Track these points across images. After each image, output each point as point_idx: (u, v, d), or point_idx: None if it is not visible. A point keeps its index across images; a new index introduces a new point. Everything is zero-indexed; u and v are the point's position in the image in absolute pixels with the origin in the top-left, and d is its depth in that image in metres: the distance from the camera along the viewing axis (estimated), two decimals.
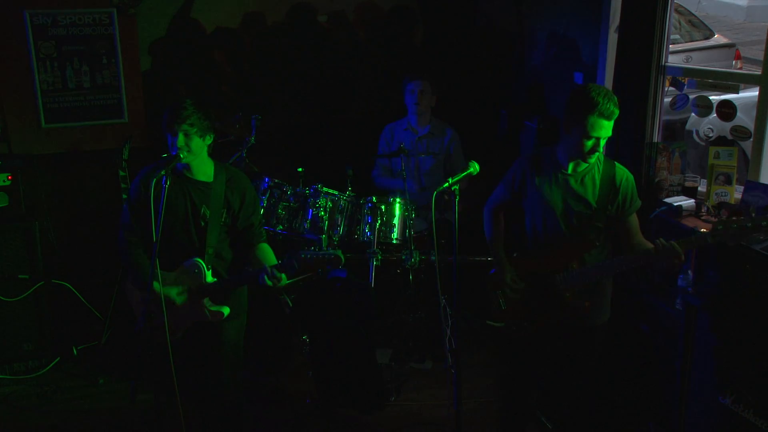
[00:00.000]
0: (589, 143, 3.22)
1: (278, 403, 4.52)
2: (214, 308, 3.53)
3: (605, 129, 3.20)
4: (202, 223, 3.49)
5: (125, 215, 3.57)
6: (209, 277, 3.50)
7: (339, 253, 3.31)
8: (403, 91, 5.28)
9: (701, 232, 3.22)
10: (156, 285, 3.30)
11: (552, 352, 3.62)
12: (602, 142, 3.25)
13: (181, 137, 3.34)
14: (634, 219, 3.40)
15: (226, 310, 3.55)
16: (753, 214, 3.06)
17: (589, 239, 3.36)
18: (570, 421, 3.75)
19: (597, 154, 3.26)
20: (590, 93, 3.16)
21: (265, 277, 3.36)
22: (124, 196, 4.62)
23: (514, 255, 3.58)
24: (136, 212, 3.50)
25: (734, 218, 3.05)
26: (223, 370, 3.66)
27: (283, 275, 3.37)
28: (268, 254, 3.63)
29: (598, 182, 3.34)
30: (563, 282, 3.39)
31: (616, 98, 3.20)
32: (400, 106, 5.33)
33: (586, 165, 3.34)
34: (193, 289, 3.51)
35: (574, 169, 3.36)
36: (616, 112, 3.18)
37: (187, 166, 3.47)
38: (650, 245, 3.30)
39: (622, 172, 3.36)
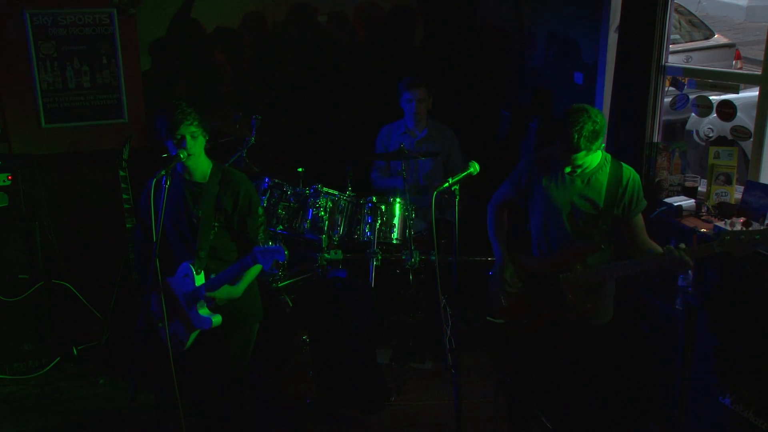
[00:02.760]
0: (567, 168, 3.30)
1: (278, 403, 4.52)
2: (205, 315, 3.39)
3: (580, 159, 3.25)
4: (194, 225, 3.41)
5: (138, 231, 3.49)
6: (199, 281, 3.38)
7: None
8: (399, 96, 5.25)
9: (708, 241, 3.19)
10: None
11: (553, 352, 3.62)
12: (587, 161, 3.27)
13: (189, 140, 3.31)
14: (639, 219, 3.40)
15: (217, 319, 3.40)
16: (766, 223, 3.06)
17: (594, 242, 3.36)
18: (571, 421, 3.74)
19: (579, 170, 3.30)
20: (570, 129, 3.16)
21: (256, 257, 3.22)
22: (125, 196, 4.61)
23: (517, 254, 3.58)
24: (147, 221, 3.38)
25: (743, 229, 3.05)
26: (225, 383, 3.62)
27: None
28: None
29: (605, 183, 3.34)
30: (566, 283, 3.39)
31: (598, 127, 3.18)
32: (399, 107, 5.32)
33: (597, 163, 3.34)
34: (187, 294, 3.42)
35: (582, 170, 3.35)
36: (595, 145, 3.20)
37: (187, 168, 3.43)
38: (655, 246, 3.30)
39: (629, 173, 3.36)
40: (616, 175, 3.33)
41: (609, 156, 3.39)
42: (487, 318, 3.54)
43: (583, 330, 3.49)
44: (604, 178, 3.35)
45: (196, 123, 3.32)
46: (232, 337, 3.55)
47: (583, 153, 3.21)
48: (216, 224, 3.42)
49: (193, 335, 3.49)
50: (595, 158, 3.32)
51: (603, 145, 3.33)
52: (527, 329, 3.52)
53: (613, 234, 3.44)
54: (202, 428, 3.79)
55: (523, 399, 3.80)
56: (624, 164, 3.39)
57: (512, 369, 3.79)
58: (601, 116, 3.23)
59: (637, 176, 3.38)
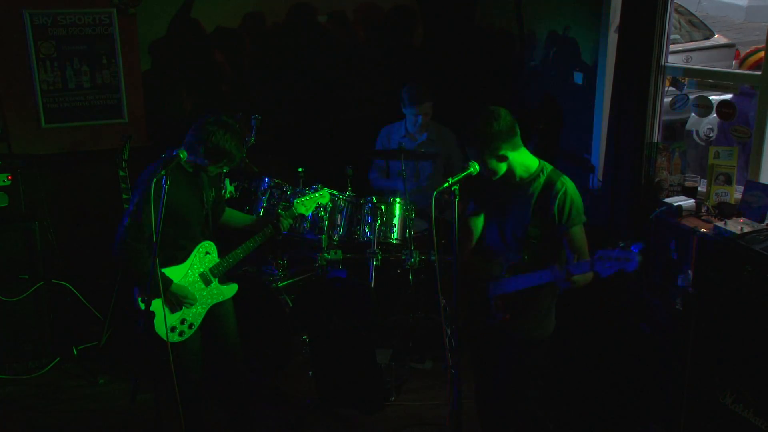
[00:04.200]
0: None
1: (278, 403, 4.52)
2: (226, 286, 3.81)
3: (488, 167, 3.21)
4: (208, 207, 3.71)
5: (131, 224, 3.49)
6: (216, 257, 3.76)
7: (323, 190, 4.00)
8: (401, 103, 5.19)
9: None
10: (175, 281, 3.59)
11: (484, 358, 3.55)
12: (497, 168, 3.22)
13: None
14: (576, 234, 3.20)
15: (236, 286, 3.84)
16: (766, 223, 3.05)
17: (520, 251, 3.26)
18: (570, 421, 3.69)
19: (494, 177, 3.24)
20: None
21: (280, 217, 3.88)
22: (125, 196, 4.62)
23: (476, 254, 3.52)
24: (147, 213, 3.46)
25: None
26: (239, 345, 3.93)
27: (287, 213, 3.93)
28: (236, 213, 4.03)
29: (536, 193, 3.24)
30: (492, 290, 3.33)
31: (480, 134, 3.15)
32: (400, 107, 5.31)
33: (531, 173, 3.26)
34: (206, 271, 3.72)
35: (521, 177, 3.27)
36: (491, 161, 3.17)
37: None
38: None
39: (562, 183, 3.21)
40: (550, 184, 3.22)
41: (550, 167, 3.30)
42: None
43: (511, 341, 3.37)
44: (537, 188, 3.24)
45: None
46: (227, 302, 3.87)
47: (498, 163, 3.18)
48: (215, 201, 3.79)
49: (203, 313, 3.74)
50: (522, 166, 3.24)
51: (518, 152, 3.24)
52: (466, 329, 3.46)
53: (549, 248, 3.28)
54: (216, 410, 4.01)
55: (481, 400, 3.70)
56: (564, 176, 3.26)
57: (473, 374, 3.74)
58: (489, 124, 3.14)
59: (573, 188, 3.23)
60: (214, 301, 3.77)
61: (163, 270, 3.53)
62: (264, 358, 4.74)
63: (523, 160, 3.25)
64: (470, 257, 3.49)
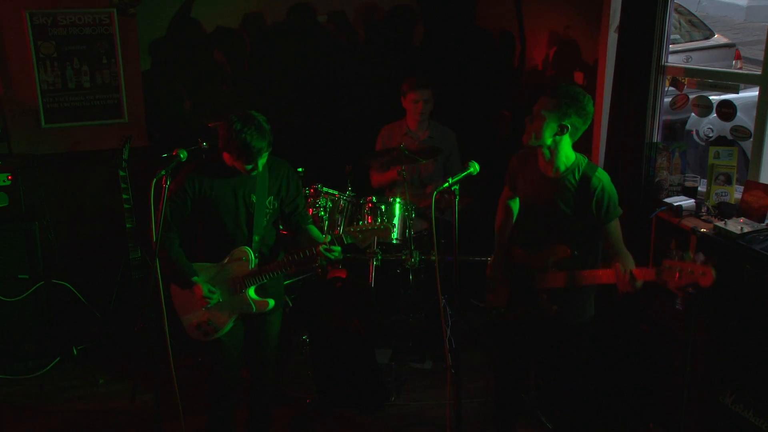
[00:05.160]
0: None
1: (278, 403, 4.51)
2: (259, 299, 3.64)
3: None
4: (251, 211, 3.59)
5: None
6: (253, 264, 3.61)
7: (388, 224, 3.53)
8: (403, 96, 5.21)
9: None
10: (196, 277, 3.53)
11: (533, 347, 3.62)
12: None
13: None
14: (612, 227, 3.28)
15: (272, 302, 3.65)
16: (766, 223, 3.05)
17: (565, 245, 3.30)
18: (564, 420, 3.72)
19: (539, 141, 3.28)
20: None
21: (322, 249, 3.50)
22: (125, 196, 4.61)
23: (514, 245, 3.57)
24: (187, 209, 3.52)
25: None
26: (270, 363, 3.82)
27: (338, 247, 3.55)
28: (316, 233, 3.78)
29: (575, 185, 3.28)
30: (540, 282, 3.37)
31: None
32: (400, 106, 5.32)
33: (569, 166, 3.30)
34: (238, 278, 3.60)
35: (557, 170, 3.32)
36: (551, 124, 3.23)
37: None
38: (627, 259, 3.20)
39: (598, 179, 3.26)
40: (587, 180, 3.26)
41: (585, 160, 3.34)
42: (471, 300, 3.54)
43: (558, 328, 3.44)
44: (575, 181, 3.29)
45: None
46: (275, 314, 3.76)
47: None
48: (269, 209, 3.63)
49: (232, 321, 3.66)
50: (563, 157, 3.29)
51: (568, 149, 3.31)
52: (503, 318, 3.52)
53: (593, 241, 3.37)
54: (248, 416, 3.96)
55: (508, 391, 3.77)
56: (599, 169, 3.32)
57: (497, 359, 3.78)
58: (580, 93, 3.22)
59: (608, 183, 3.28)
60: (243, 311, 3.65)
61: (193, 263, 3.59)
62: None
63: (567, 151, 3.30)
64: (513, 246, 3.54)
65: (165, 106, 5.57)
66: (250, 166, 3.44)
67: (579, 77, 4.94)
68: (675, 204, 3.99)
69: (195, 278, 3.57)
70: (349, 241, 3.54)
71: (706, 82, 4.30)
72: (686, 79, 4.39)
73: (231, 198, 3.55)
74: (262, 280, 3.61)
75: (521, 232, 3.54)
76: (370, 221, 4.66)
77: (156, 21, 5.38)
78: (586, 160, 3.35)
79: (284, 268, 3.63)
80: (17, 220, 4.77)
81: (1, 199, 4.73)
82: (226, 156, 3.48)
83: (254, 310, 3.63)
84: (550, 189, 3.34)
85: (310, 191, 4.73)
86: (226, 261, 3.62)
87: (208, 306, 3.61)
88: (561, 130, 3.22)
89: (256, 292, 3.63)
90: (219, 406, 3.78)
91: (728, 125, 4.33)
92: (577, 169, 3.30)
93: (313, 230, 3.79)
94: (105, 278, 5.08)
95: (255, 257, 3.60)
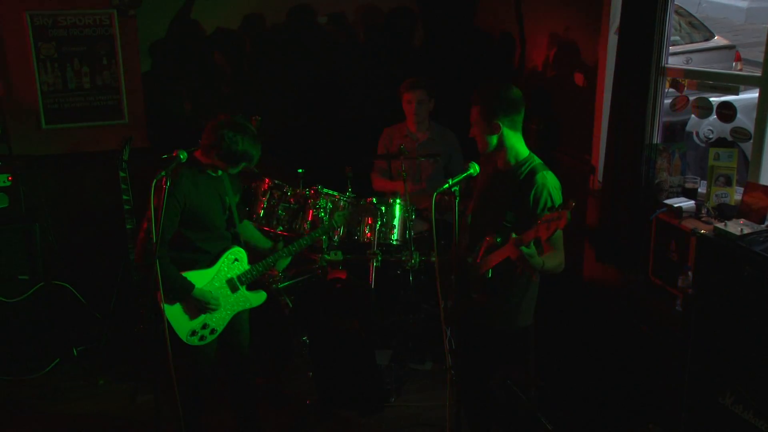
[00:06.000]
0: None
1: (278, 404, 4.52)
2: (254, 293, 3.78)
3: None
4: (231, 211, 3.67)
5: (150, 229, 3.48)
6: (246, 262, 3.74)
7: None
8: (400, 99, 5.24)
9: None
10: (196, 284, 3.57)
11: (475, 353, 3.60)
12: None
13: None
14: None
15: (264, 294, 3.80)
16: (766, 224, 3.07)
17: (493, 235, 3.29)
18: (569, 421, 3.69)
19: (489, 147, 3.33)
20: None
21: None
22: (125, 197, 4.61)
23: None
24: (178, 220, 3.51)
25: None
26: (247, 349, 3.91)
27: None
28: (251, 227, 3.98)
29: (522, 177, 3.32)
30: (471, 266, 3.38)
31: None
32: (401, 108, 5.32)
33: (519, 161, 3.35)
34: (235, 278, 3.70)
35: (508, 163, 3.36)
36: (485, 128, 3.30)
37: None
38: (557, 254, 3.23)
39: (543, 177, 3.27)
40: (533, 174, 3.29)
41: (538, 160, 3.37)
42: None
43: (494, 333, 3.46)
44: (522, 174, 3.32)
45: None
46: (246, 314, 3.87)
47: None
48: (245, 209, 3.82)
49: (228, 319, 3.72)
50: (513, 151, 3.34)
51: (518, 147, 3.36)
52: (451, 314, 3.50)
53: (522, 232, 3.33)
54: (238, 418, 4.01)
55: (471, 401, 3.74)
56: (550, 172, 3.32)
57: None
58: (497, 90, 3.28)
59: (554, 184, 3.28)
60: (240, 308, 3.77)
61: (186, 274, 3.55)
62: (264, 359, 4.75)
63: (515, 144, 3.35)
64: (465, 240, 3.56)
65: (165, 107, 5.57)
66: (236, 170, 3.54)
67: (579, 78, 4.94)
68: (675, 205, 4.00)
69: (194, 291, 3.56)
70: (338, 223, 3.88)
71: (706, 83, 4.30)
72: (686, 80, 4.39)
73: (217, 203, 3.61)
74: (259, 273, 3.74)
75: (473, 226, 3.55)
76: (370, 222, 4.67)
77: (156, 22, 5.39)
78: (540, 161, 3.38)
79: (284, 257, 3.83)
80: (17, 221, 4.78)
81: (1, 200, 4.74)
82: (204, 158, 3.50)
83: (252, 304, 3.77)
84: (499, 181, 3.39)
85: (310, 192, 4.73)
86: (219, 263, 3.66)
87: (212, 311, 3.63)
88: (495, 129, 3.29)
89: (247, 288, 3.76)
90: (200, 397, 3.83)
91: (728, 127, 4.32)
92: (527, 164, 3.35)
93: (247, 224, 3.98)
94: (105, 279, 5.08)
95: (246, 255, 3.73)
